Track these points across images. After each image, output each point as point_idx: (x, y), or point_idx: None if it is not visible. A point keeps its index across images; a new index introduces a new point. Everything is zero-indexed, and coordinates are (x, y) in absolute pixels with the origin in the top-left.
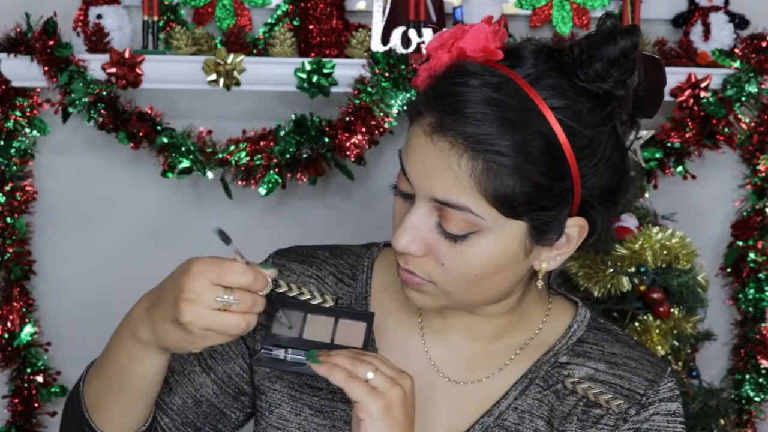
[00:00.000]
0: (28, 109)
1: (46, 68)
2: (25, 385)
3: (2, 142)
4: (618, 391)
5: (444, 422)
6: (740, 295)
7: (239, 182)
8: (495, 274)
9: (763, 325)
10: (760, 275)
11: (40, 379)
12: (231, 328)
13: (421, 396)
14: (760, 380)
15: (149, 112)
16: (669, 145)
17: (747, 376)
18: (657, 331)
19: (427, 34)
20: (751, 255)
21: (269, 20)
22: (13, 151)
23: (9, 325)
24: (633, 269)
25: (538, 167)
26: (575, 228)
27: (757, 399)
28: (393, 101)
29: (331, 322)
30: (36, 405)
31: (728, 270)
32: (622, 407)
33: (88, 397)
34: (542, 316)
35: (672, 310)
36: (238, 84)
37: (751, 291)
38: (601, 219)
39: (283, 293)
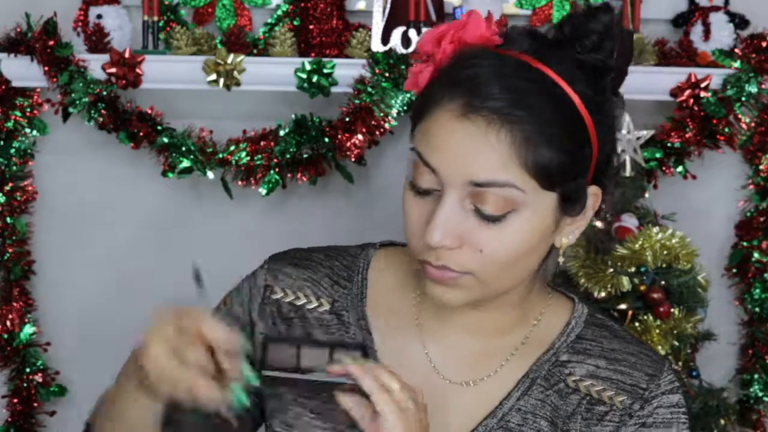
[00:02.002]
0: (28, 109)
1: (46, 68)
2: (24, 384)
3: (2, 142)
4: (620, 387)
5: (446, 425)
6: (746, 296)
7: (239, 182)
8: (529, 254)
9: None
10: (766, 275)
11: (39, 378)
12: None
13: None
14: None
15: (149, 112)
16: (669, 145)
17: (755, 376)
18: (657, 331)
19: None
20: (756, 255)
21: (269, 20)
22: (13, 151)
23: (8, 324)
24: (633, 269)
25: (569, 135)
26: (592, 197)
27: (765, 399)
28: (393, 101)
29: (326, 354)
30: (35, 405)
31: (734, 270)
32: (626, 402)
33: None
34: (540, 311)
35: (672, 310)
36: (238, 84)
37: (757, 291)
38: (608, 186)
39: (269, 335)
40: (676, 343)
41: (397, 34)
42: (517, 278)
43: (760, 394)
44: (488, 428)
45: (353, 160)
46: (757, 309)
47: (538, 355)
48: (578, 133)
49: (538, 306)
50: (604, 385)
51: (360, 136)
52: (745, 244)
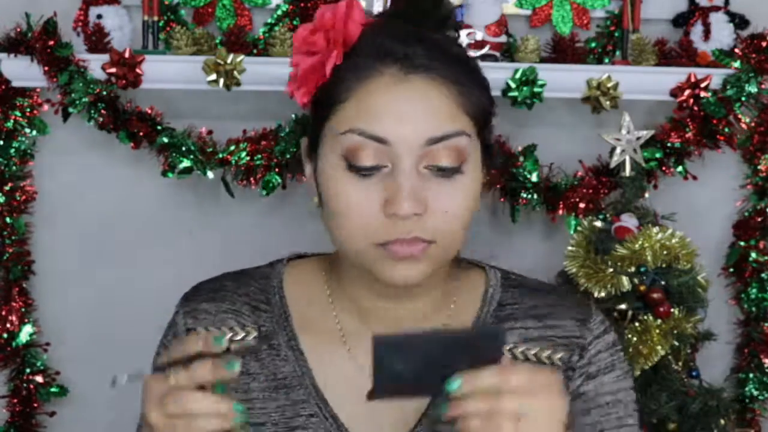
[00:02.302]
0: (28, 109)
1: (46, 68)
2: (24, 385)
3: (2, 142)
4: (556, 343)
5: (389, 424)
6: (743, 295)
7: (239, 182)
8: (474, 209)
9: (766, 324)
10: (763, 275)
11: (39, 379)
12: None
13: (362, 402)
14: (764, 379)
15: (149, 112)
16: (669, 145)
17: (751, 375)
18: (657, 331)
19: None
20: (753, 255)
21: (269, 20)
22: (12, 151)
23: (8, 325)
24: (633, 269)
25: (480, 82)
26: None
27: (761, 397)
28: None
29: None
30: (35, 405)
31: (730, 270)
32: (564, 358)
33: None
34: (455, 286)
35: (672, 310)
36: (238, 84)
37: (754, 291)
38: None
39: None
40: (676, 343)
41: None
42: (463, 240)
43: (756, 393)
44: (432, 419)
45: None
46: (753, 309)
47: None
48: (482, 82)
49: (453, 283)
50: (539, 345)
51: None
52: (742, 243)
